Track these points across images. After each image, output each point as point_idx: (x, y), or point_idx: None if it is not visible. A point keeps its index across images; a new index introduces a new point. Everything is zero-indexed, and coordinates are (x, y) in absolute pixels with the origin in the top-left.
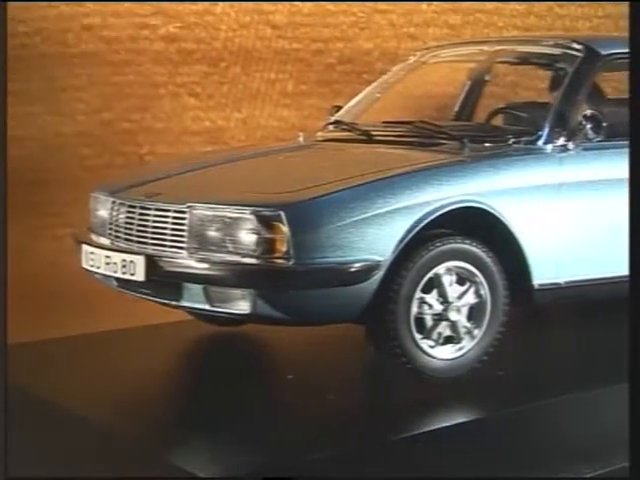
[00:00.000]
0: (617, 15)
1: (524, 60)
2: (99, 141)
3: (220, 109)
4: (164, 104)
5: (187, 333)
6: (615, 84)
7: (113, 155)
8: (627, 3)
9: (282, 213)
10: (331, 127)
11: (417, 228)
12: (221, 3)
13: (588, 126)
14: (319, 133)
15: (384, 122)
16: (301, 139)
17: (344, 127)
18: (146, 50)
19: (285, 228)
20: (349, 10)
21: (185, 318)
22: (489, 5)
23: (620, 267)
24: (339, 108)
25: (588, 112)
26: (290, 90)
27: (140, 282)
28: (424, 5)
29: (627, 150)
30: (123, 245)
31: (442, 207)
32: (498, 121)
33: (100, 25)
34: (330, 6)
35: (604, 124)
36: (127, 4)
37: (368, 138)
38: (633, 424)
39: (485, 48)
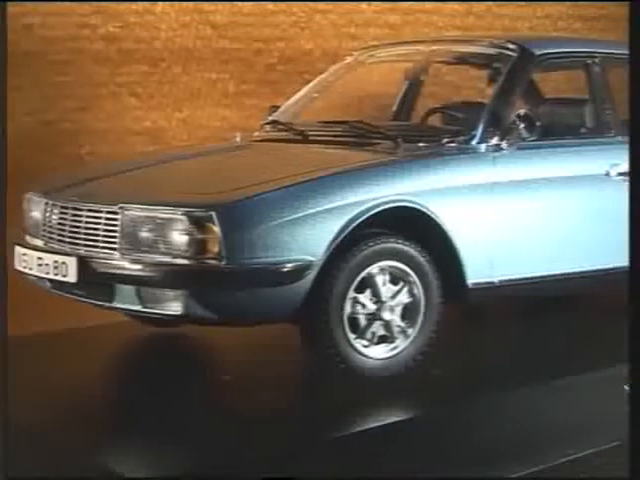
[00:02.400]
0: (556, 15)
1: (460, 60)
2: (40, 141)
3: (161, 109)
4: (105, 104)
5: (123, 334)
6: (554, 84)
7: (54, 156)
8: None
9: (213, 214)
10: (268, 127)
11: (349, 228)
12: (161, 3)
13: (521, 126)
14: (256, 133)
15: (320, 122)
16: (238, 139)
17: (281, 127)
18: (86, 50)
19: (217, 228)
20: (289, 10)
21: (122, 319)
22: (429, 5)
23: (554, 265)
24: (276, 108)
25: (521, 112)
26: (231, 90)
27: (73, 283)
28: (364, 5)
29: (560, 149)
30: (56, 246)
31: (374, 207)
32: (435, 121)
33: (40, 24)
34: (270, 6)
35: (537, 124)
36: (67, 3)
37: (304, 138)
38: (633, 424)
39: (421, 48)
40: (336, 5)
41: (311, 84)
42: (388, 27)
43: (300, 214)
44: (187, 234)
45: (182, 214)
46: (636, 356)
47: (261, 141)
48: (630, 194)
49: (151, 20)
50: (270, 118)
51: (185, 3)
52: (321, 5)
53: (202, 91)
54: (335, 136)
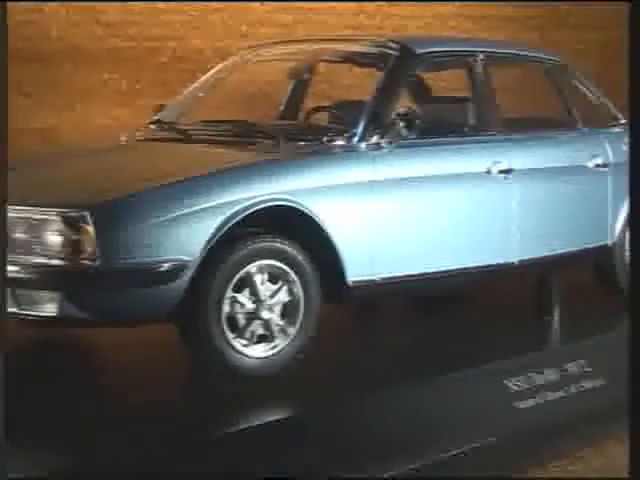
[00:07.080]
0: (446, 15)
1: (344, 59)
2: None
3: (52, 109)
4: None
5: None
6: (444, 83)
7: None
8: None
9: (87, 214)
10: (153, 127)
11: (226, 227)
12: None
13: (401, 124)
14: (139, 133)
15: (203, 121)
16: (123, 139)
17: (164, 127)
18: None
19: (90, 229)
20: (181, 9)
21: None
22: (320, 4)
23: (435, 262)
24: (162, 107)
25: (401, 110)
26: (123, 89)
27: None
28: (256, 4)
29: (441, 148)
30: None
31: (251, 206)
32: (320, 120)
33: None
34: (162, 5)
35: (417, 122)
36: None
37: (187, 137)
38: (633, 422)
39: (306, 47)
40: (228, 4)
41: (196, 83)
42: (280, 26)
43: (176, 213)
44: (61, 235)
45: (56, 214)
46: (636, 356)
47: (145, 140)
48: (630, 192)
49: (41, 18)
50: (155, 117)
51: (75, 2)
52: (213, 4)
53: (94, 90)
54: (217, 135)
